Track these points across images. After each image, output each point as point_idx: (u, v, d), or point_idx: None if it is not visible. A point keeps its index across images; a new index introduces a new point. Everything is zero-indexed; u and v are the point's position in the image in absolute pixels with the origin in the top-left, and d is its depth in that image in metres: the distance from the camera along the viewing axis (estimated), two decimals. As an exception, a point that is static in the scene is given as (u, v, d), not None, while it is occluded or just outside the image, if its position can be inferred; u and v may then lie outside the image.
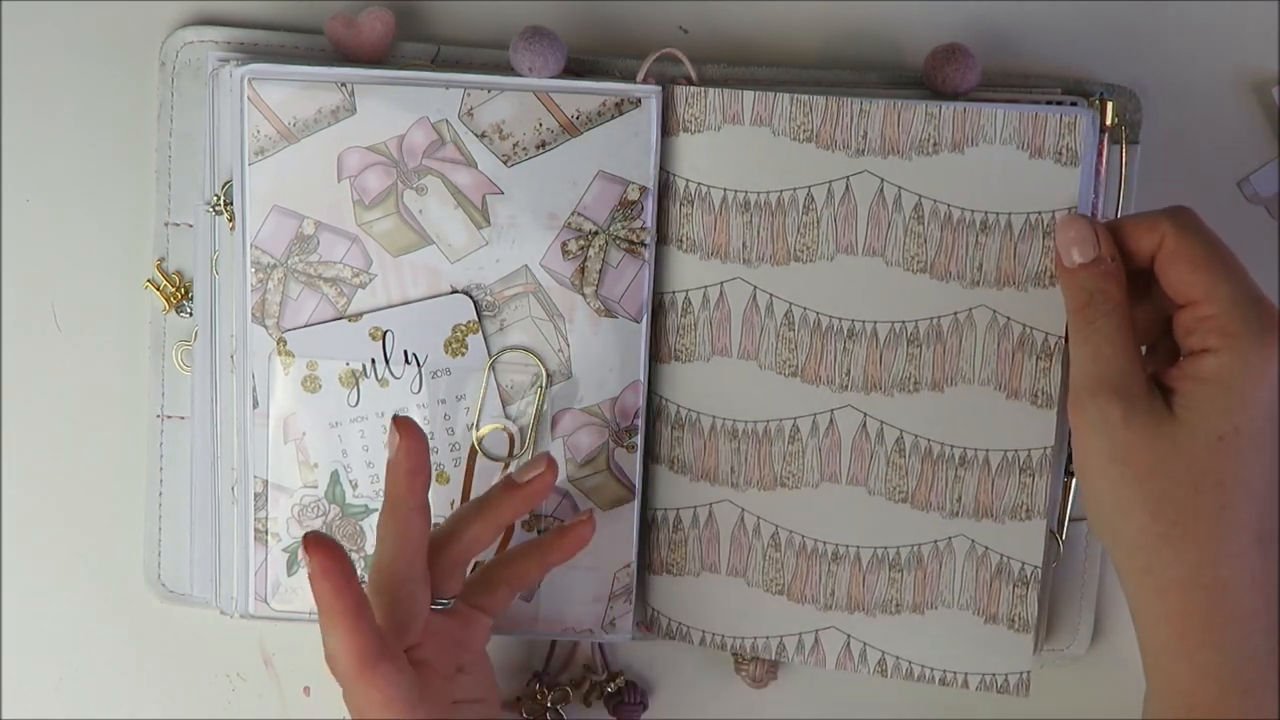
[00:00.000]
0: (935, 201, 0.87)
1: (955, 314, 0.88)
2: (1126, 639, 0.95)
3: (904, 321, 0.88)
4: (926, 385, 0.89)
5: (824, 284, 0.89)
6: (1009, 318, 0.87)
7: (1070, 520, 0.93)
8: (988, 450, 0.89)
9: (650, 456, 0.93)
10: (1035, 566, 0.89)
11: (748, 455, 0.91)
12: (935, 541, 0.90)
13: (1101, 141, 0.90)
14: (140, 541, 0.95)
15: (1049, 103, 0.90)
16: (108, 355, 0.95)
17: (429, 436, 0.90)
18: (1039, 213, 0.86)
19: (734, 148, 0.88)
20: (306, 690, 0.97)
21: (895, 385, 0.89)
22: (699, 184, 0.89)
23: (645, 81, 0.89)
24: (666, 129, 0.89)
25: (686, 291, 0.90)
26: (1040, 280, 0.86)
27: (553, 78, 0.89)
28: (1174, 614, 0.79)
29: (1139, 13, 0.93)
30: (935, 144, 0.86)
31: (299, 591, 0.92)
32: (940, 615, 0.91)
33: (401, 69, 0.90)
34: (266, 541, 0.91)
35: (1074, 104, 0.90)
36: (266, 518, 0.91)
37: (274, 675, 0.97)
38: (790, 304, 0.89)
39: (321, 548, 0.79)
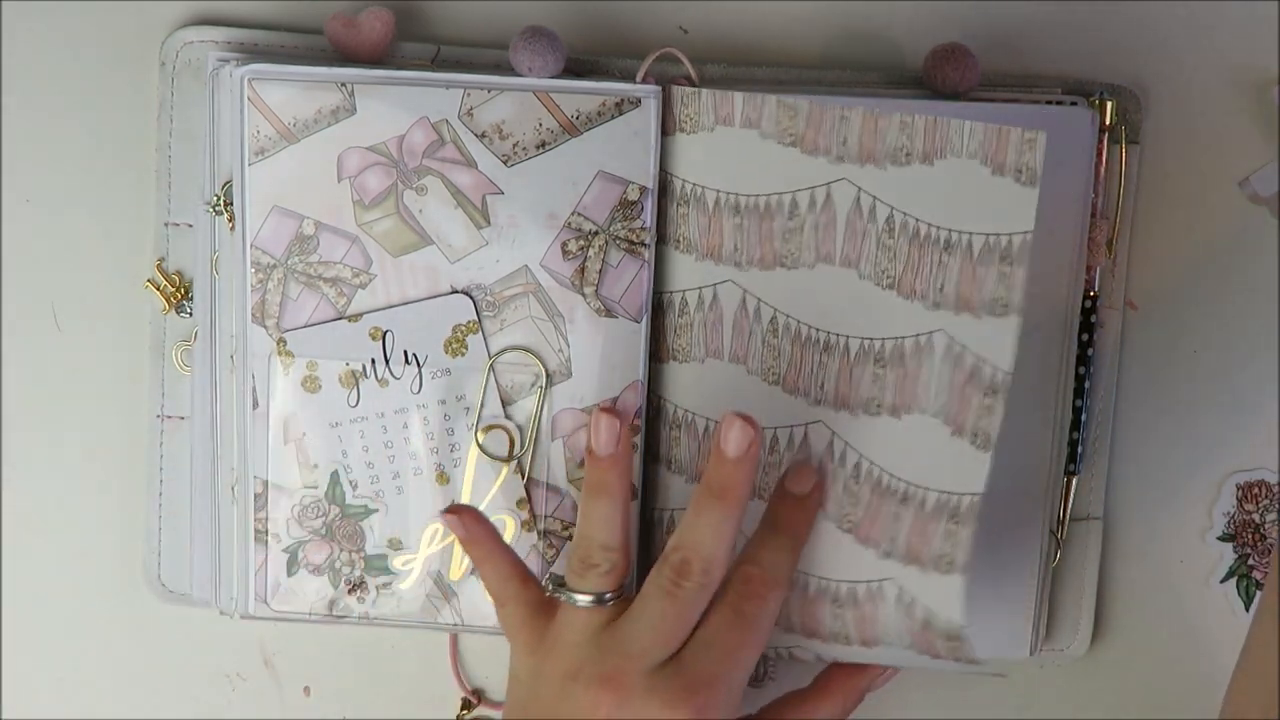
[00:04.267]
0: (905, 215, 0.85)
1: (917, 336, 0.85)
2: (1127, 639, 0.95)
3: (872, 339, 0.86)
4: (886, 410, 0.86)
5: (805, 293, 0.88)
6: (964, 346, 0.83)
7: (1071, 520, 0.93)
8: (926, 489, 0.85)
9: (650, 456, 0.92)
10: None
11: None
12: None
13: (1102, 141, 0.90)
14: (140, 541, 0.95)
15: (1049, 103, 0.90)
16: (108, 355, 0.95)
17: (429, 437, 0.91)
18: (997, 235, 0.82)
19: (726, 149, 0.88)
20: (306, 690, 0.97)
21: (861, 406, 0.87)
22: (695, 184, 0.89)
23: (645, 81, 0.89)
24: (665, 129, 0.89)
25: (683, 292, 0.90)
26: (994, 308, 0.82)
27: (552, 78, 0.89)
28: None
29: (1139, 13, 0.93)
30: (908, 154, 0.84)
31: (299, 592, 0.92)
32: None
33: (401, 69, 0.90)
34: (266, 542, 0.91)
35: (1074, 104, 0.90)
36: (266, 518, 0.91)
37: (274, 675, 0.97)
38: (775, 310, 0.89)
39: (469, 514, 0.86)
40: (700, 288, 0.90)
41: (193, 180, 0.92)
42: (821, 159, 0.86)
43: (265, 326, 0.89)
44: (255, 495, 0.91)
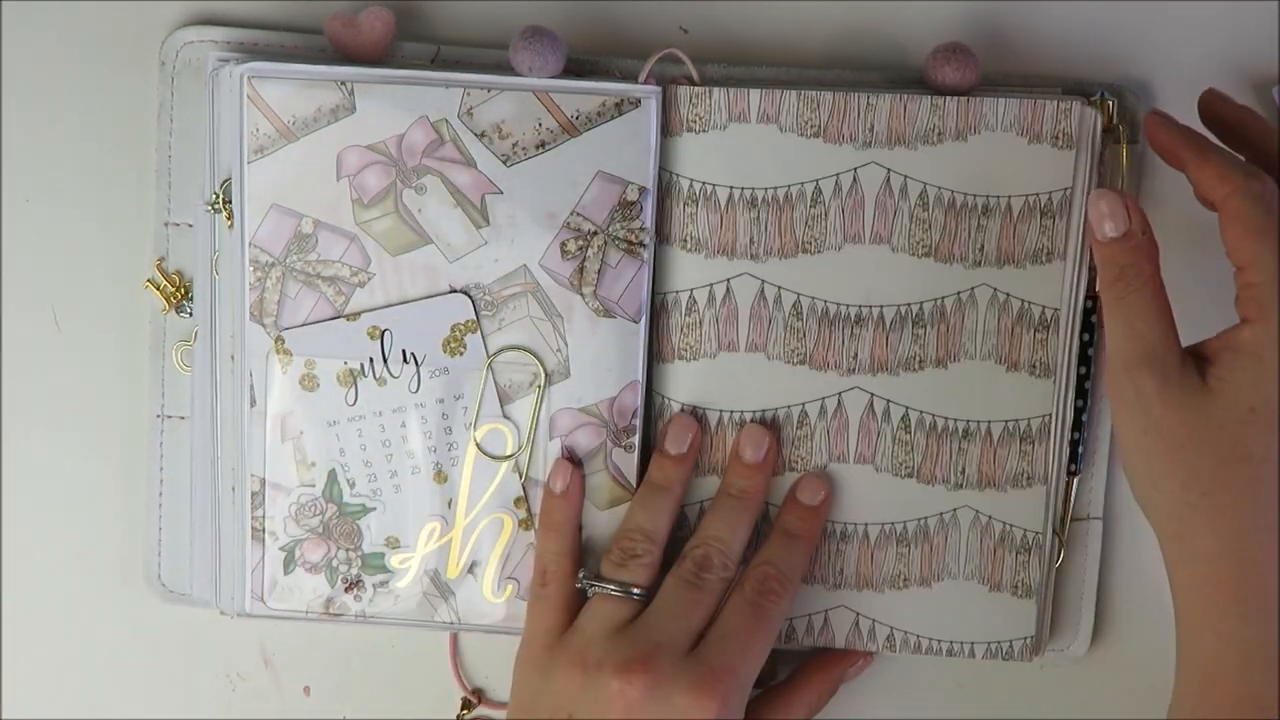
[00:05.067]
0: (940, 188, 0.88)
1: (958, 294, 0.89)
2: (1127, 639, 0.95)
3: (909, 304, 0.89)
4: (931, 363, 0.90)
5: (832, 273, 0.90)
6: (1009, 294, 0.89)
7: (1071, 520, 0.93)
8: (989, 421, 0.90)
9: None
10: (1037, 533, 0.91)
11: None
12: (941, 514, 0.91)
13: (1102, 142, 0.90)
14: (140, 541, 0.95)
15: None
16: (108, 355, 0.95)
17: (427, 436, 0.91)
18: (1036, 194, 0.88)
19: (740, 146, 0.89)
20: (306, 690, 0.97)
21: (901, 365, 0.90)
22: (704, 183, 0.89)
23: (646, 82, 0.89)
24: (669, 129, 0.89)
25: (691, 290, 0.90)
26: (1038, 257, 0.89)
27: (552, 77, 0.89)
28: (1203, 583, 0.80)
29: (1139, 13, 0.93)
30: (939, 133, 0.88)
31: (295, 590, 0.92)
32: (946, 586, 0.92)
33: (401, 69, 0.90)
34: (263, 540, 0.91)
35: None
36: (264, 516, 0.91)
37: (274, 675, 0.97)
38: (799, 294, 0.90)
39: (576, 473, 0.91)
40: (711, 284, 0.90)
41: (193, 180, 0.92)
42: (847, 146, 0.89)
43: (263, 325, 0.89)
44: (252, 493, 0.91)
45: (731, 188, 0.89)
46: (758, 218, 0.89)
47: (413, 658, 0.97)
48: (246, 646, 0.97)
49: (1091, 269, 0.90)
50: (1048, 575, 0.92)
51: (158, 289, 0.94)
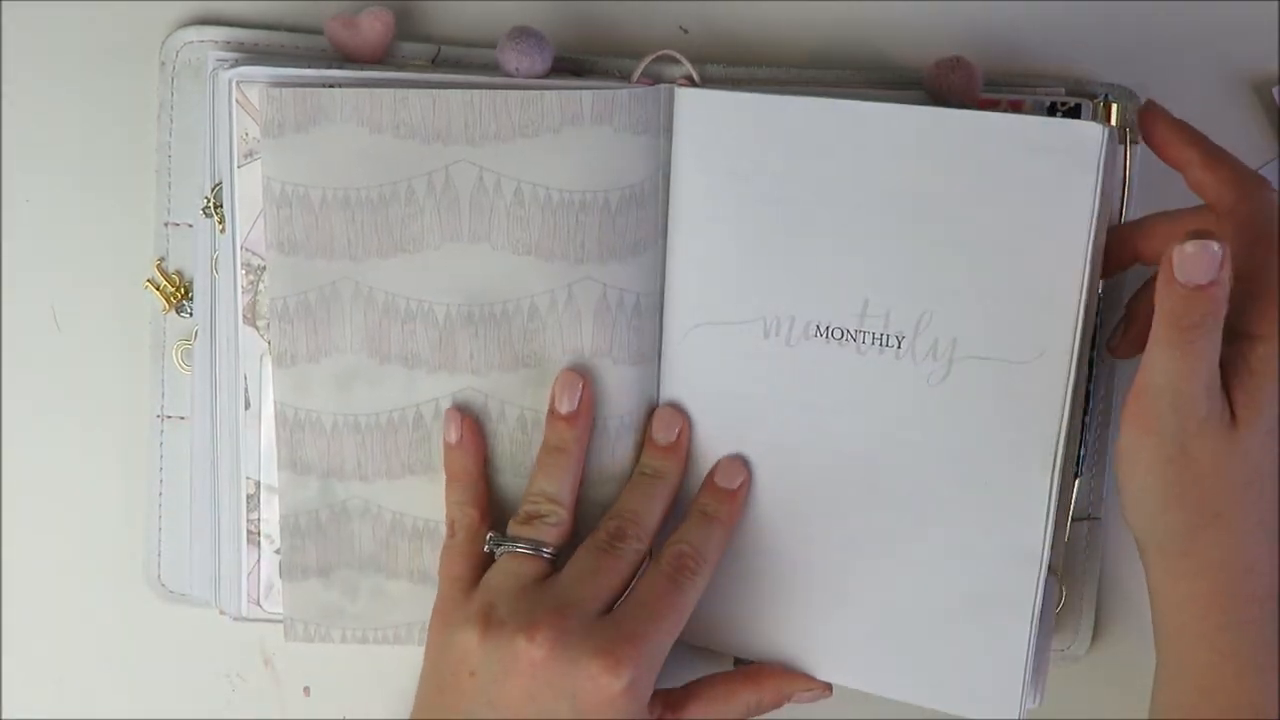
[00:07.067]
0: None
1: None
2: (1127, 639, 0.95)
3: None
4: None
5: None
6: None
7: (1071, 520, 0.93)
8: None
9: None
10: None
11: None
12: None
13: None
14: (140, 541, 0.95)
15: (1051, 103, 0.90)
16: (108, 355, 0.95)
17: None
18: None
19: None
20: (306, 690, 0.97)
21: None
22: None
23: (639, 82, 0.89)
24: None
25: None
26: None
27: (543, 76, 0.88)
28: (1201, 595, 0.80)
29: (1139, 13, 0.93)
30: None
31: (292, 593, 0.92)
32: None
33: (402, 69, 0.90)
34: (259, 543, 0.91)
35: (1077, 105, 0.90)
36: (259, 519, 0.91)
37: (274, 675, 0.97)
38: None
39: (469, 422, 0.89)
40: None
41: (193, 180, 0.92)
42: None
43: (256, 328, 0.89)
44: (248, 496, 0.91)
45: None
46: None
47: (413, 658, 0.97)
48: (246, 646, 0.97)
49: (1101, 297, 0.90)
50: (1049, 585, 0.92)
51: (158, 289, 0.94)
